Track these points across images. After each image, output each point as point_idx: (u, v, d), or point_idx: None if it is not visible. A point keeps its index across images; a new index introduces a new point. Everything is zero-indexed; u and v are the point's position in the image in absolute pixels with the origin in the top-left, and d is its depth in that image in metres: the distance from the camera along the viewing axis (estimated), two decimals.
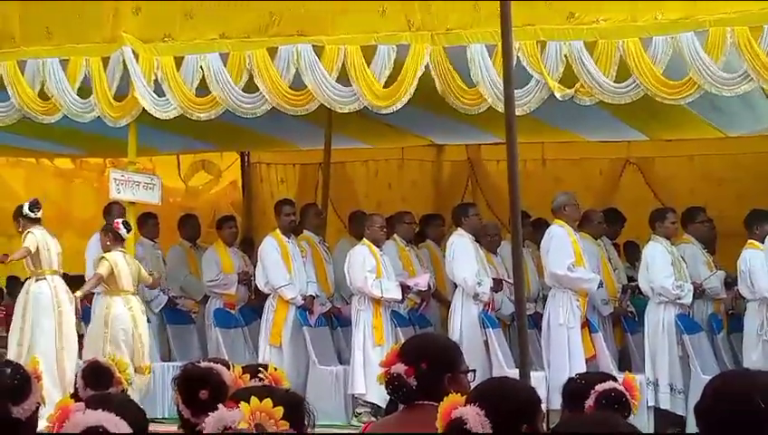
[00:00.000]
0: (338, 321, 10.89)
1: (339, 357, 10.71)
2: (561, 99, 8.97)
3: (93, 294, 10.37)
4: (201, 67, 9.78)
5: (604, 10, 8.94)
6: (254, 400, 2.75)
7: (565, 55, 8.92)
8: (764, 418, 2.77)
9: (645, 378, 9.57)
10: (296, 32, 9.64)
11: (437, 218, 12.00)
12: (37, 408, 3.30)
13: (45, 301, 9.91)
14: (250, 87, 9.79)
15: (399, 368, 3.95)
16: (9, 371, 3.24)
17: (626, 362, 10.30)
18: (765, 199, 10.48)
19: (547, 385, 9.27)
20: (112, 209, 10.85)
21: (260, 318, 10.69)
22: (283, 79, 9.58)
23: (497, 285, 10.10)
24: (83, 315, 10.45)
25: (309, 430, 3.07)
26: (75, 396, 4.38)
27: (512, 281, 10.30)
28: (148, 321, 10.40)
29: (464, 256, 10.09)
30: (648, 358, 9.66)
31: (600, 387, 4.49)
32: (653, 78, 8.67)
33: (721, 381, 3.02)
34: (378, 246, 10.27)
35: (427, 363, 3.92)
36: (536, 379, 9.32)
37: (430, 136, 13.64)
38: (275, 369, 4.30)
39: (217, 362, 3.84)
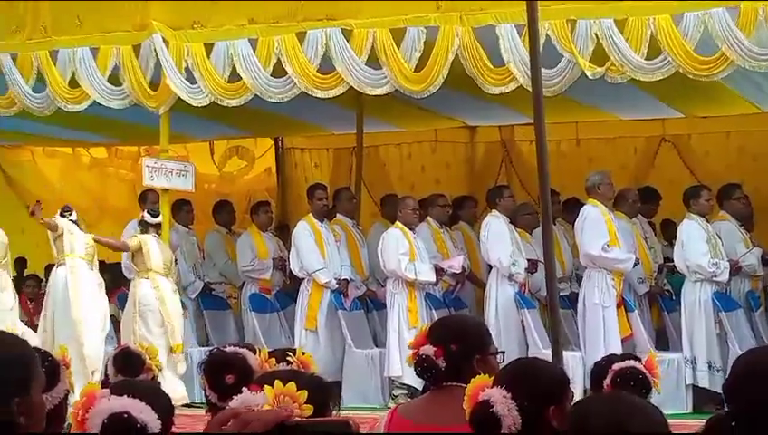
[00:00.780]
0: (373, 304, 10.91)
1: (374, 340, 10.74)
2: (591, 77, 8.90)
3: (131, 281, 10.47)
4: (231, 53, 9.79)
5: None
6: (278, 383, 2.74)
7: (595, 33, 8.84)
8: None
9: (683, 356, 9.52)
10: (325, 16, 9.63)
11: (470, 200, 11.97)
12: (66, 395, 3.31)
13: (63, 286, 9.99)
14: (278, 72, 9.80)
15: (428, 350, 3.94)
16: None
17: (663, 340, 10.25)
18: None
19: (584, 365, 9.24)
20: (147, 197, 10.91)
21: (295, 303, 10.72)
22: (311, 63, 9.58)
23: (533, 266, 10.06)
24: (120, 302, 10.53)
25: (335, 414, 3.07)
26: (106, 382, 4.42)
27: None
28: (184, 307, 10.46)
29: (498, 238, 10.06)
30: (686, 336, 9.60)
31: (616, 366, 4.48)
32: (684, 54, 8.58)
33: (751, 357, 2.96)
34: (411, 229, 10.26)
35: (456, 345, 3.91)
36: (573, 358, 9.33)
37: (463, 118, 13.59)
38: (303, 353, 4.31)
39: (243, 347, 3.85)
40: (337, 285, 10.50)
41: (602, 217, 9.73)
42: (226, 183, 14.96)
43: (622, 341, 9.51)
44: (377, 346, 10.55)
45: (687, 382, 9.47)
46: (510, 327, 9.89)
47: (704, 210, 9.93)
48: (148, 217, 10.01)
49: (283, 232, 12.40)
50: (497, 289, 9.99)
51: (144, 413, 3.01)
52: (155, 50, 10.01)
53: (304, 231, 10.61)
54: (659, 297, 10.43)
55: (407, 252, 9.99)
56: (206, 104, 10.08)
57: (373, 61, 9.49)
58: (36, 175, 14.55)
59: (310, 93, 9.70)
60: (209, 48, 9.91)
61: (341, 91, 9.66)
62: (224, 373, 3.89)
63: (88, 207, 12.97)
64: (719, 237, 9.83)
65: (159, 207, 10.38)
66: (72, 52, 10.27)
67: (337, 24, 9.55)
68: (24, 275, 13.58)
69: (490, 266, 10.35)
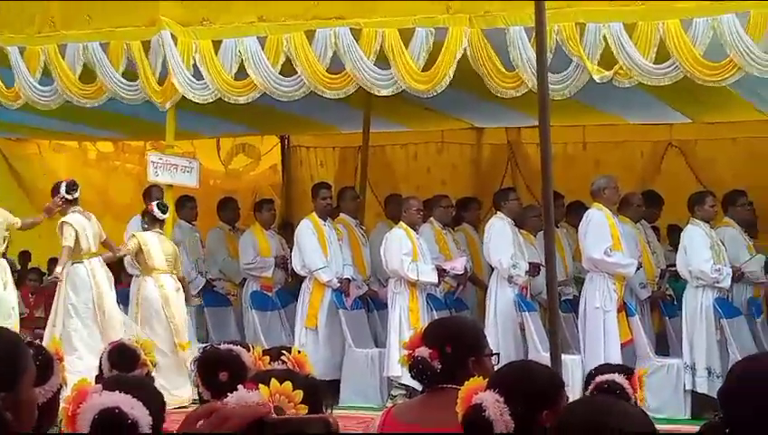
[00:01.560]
0: (374, 304, 10.91)
1: (375, 340, 10.74)
2: (599, 81, 8.88)
3: (132, 276, 10.47)
4: (239, 51, 9.79)
5: None
6: (274, 382, 2.74)
7: (604, 37, 8.82)
8: None
9: (682, 362, 9.50)
10: (334, 15, 9.62)
11: (474, 202, 11.97)
12: (58, 390, 3.31)
13: (80, 283, 9.98)
14: (287, 70, 9.80)
15: (423, 351, 3.93)
16: (31, 352, 3.26)
17: (664, 345, 10.24)
18: None
19: (583, 369, 9.22)
20: (152, 192, 10.92)
21: (296, 301, 10.72)
22: (320, 62, 9.58)
23: (534, 269, 10.05)
24: (121, 297, 10.54)
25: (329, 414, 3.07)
26: (100, 377, 4.41)
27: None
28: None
29: (500, 239, 10.06)
30: (686, 342, 9.57)
31: (598, 378, 4.47)
32: (693, 59, 8.56)
33: (748, 363, 2.95)
34: (414, 230, 10.25)
35: (451, 347, 3.90)
36: (573, 362, 9.32)
37: (470, 119, 13.59)
38: (299, 352, 4.30)
39: (237, 345, 3.84)
40: (338, 284, 10.50)
41: (606, 220, 9.71)
42: (232, 180, 14.99)
43: (622, 345, 9.51)
44: (377, 346, 10.55)
45: (687, 388, 9.45)
46: (509, 329, 9.88)
47: (708, 216, 9.92)
48: (157, 213, 10.01)
49: (287, 230, 12.41)
50: (497, 291, 9.99)
51: (135, 409, 3.02)
52: (163, 46, 10.02)
53: (307, 229, 10.61)
54: (661, 302, 10.41)
55: (409, 252, 9.98)
56: (211, 101, 10.07)
57: (381, 61, 9.49)
58: (42, 168, 14.58)
59: (319, 93, 9.69)
60: (217, 45, 9.91)
61: (351, 91, 9.67)
62: (217, 371, 3.88)
63: (93, 201, 12.98)
64: (723, 244, 9.81)
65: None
66: (82, 46, 10.28)
67: (346, 23, 9.54)
68: (28, 267, 13.61)
69: (492, 268, 10.34)
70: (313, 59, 9.61)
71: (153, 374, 4.66)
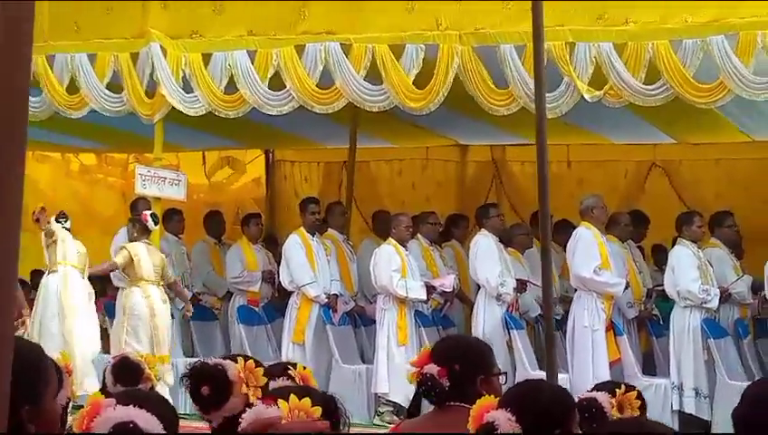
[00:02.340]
0: (361, 320, 10.89)
1: (361, 356, 10.71)
2: (589, 101, 8.92)
3: (119, 289, 10.42)
4: (229, 64, 9.77)
5: (634, 12, 8.88)
6: (293, 398, 2.73)
7: (594, 57, 8.86)
8: None
9: (670, 382, 9.52)
10: (324, 30, 9.62)
11: (463, 219, 11.99)
12: (67, 403, 3.28)
13: (51, 294, 9.95)
14: (276, 84, 9.78)
15: (432, 368, 3.93)
16: None
17: (650, 365, 10.25)
18: None
19: (570, 388, 9.21)
20: (138, 205, 10.87)
21: (283, 316, 10.69)
22: (310, 77, 9.57)
23: (521, 285, 10.06)
24: (107, 310, 10.47)
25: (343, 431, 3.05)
26: (104, 391, 4.38)
27: (537, 283, 10.31)
28: (172, 316, 10.41)
29: (487, 257, 10.06)
30: (674, 362, 9.59)
31: (581, 395, 4.49)
32: (683, 80, 8.61)
33: (759, 387, 2.99)
34: (403, 246, 10.25)
35: (460, 365, 3.90)
36: (561, 381, 9.28)
37: (455, 136, 13.61)
38: (304, 368, 4.28)
39: (229, 358, 3.77)
40: (326, 300, 10.47)
41: (595, 239, 9.74)
42: (215, 193, 14.94)
43: (610, 364, 9.52)
44: (363, 362, 10.52)
45: (674, 408, 9.46)
46: (498, 347, 9.82)
47: (696, 236, 9.95)
48: (150, 223, 9.97)
49: (272, 244, 12.37)
50: (485, 308, 9.98)
51: (149, 423, 2.99)
52: (152, 58, 9.98)
53: (295, 244, 10.59)
54: (648, 322, 10.44)
55: (399, 269, 9.97)
56: (201, 114, 10.05)
57: (371, 76, 9.48)
58: (25, 180, 14.45)
59: (308, 108, 9.68)
60: (207, 58, 9.89)
61: (340, 106, 9.66)
62: (200, 385, 3.86)
63: (76, 213, 12.87)
64: (710, 264, 9.85)
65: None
66: (69, 57, 10.23)
67: (336, 38, 9.54)
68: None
69: (479, 285, 10.34)
70: (303, 74, 9.60)
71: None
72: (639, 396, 4.55)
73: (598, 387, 4.66)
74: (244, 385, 3.76)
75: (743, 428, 2.97)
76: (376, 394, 9.98)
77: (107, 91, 10.25)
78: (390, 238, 10.28)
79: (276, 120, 10.40)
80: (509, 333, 9.84)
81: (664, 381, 9.63)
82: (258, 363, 3.92)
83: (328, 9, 9.63)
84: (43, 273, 12.99)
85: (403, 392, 9.81)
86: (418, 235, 10.91)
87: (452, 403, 3.91)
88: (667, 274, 9.87)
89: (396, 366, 9.76)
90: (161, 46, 9.95)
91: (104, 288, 11.49)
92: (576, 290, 9.84)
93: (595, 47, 8.87)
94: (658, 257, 11.75)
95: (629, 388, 4.64)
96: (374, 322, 10.37)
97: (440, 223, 11.39)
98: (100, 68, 10.16)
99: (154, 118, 10.20)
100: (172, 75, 9.92)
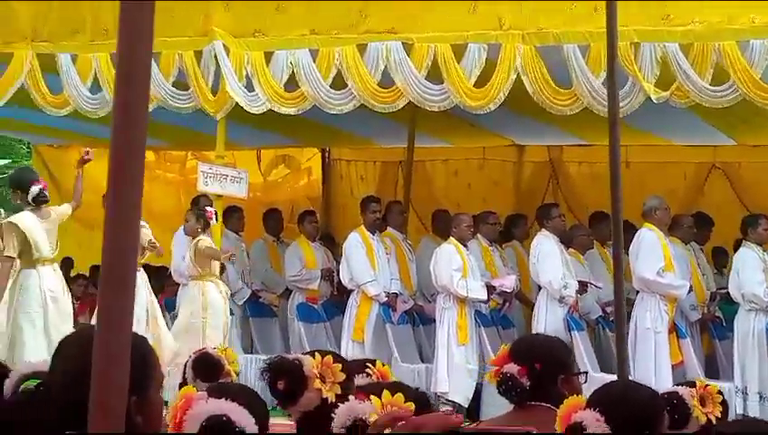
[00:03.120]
0: (420, 319, 10.88)
1: (420, 355, 10.71)
2: (656, 101, 8.84)
3: (179, 285, 10.48)
4: (291, 63, 9.80)
5: (700, 12, 8.80)
6: (386, 394, 2.74)
7: (660, 57, 8.79)
8: None
9: (734, 385, 9.43)
10: (386, 29, 9.62)
11: (523, 218, 11.95)
12: None
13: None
14: (337, 83, 9.80)
15: (512, 368, 3.93)
16: None
17: (713, 368, 10.16)
18: None
19: None
20: (200, 202, 10.92)
21: (342, 314, 10.72)
22: (371, 76, 9.57)
23: (583, 287, 10.01)
24: (167, 306, 10.52)
25: None
26: (183, 385, 4.40)
27: (599, 285, 10.26)
28: (232, 313, 10.47)
29: (549, 258, 10.02)
30: (738, 365, 9.51)
31: (662, 391, 4.47)
32: (751, 82, 8.51)
33: None
34: (464, 246, 10.24)
35: (540, 364, 3.90)
36: None
37: (512, 136, 13.57)
38: (383, 364, 4.29)
39: (308, 354, 3.78)
40: (386, 298, 10.49)
41: (658, 241, 9.67)
42: (271, 191, 14.99)
43: (673, 367, 9.45)
44: (422, 361, 10.52)
45: (737, 412, 9.36)
46: None
47: (761, 239, 9.85)
48: (213, 222, 10.02)
49: (328, 242, 12.42)
50: (547, 310, 9.94)
51: (242, 417, 3.02)
52: (215, 56, 10.03)
53: (356, 243, 10.62)
54: (711, 325, 10.35)
55: (459, 268, 9.96)
56: (263, 111, 10.09)
57: (432, 76, 9.47)
58: (84, 176, 14.56)
59: (369, 107, 9.69)
60: (269, 56, 9.93)
61: (401, 106, 9.65)
62: (277, 379, 3.88)
63: None
64: None
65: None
66: None
67: (398, 37, 9.54)
68: (70, 274, 13.62)
69: (539, 286, 10.30)
70: (365, 72, 9.59)
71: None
72: (720, 392, 4.52)
73: (677, 384, 4.64)
74: (318, 380, 3.77)
75: None
76: (435, 393, 9.97)
77: (173, 89, 10.31)
78: (451, 238, 10.27)
79: (333, 118, 10.41)
80: (570, 335, 9.78)
81: (727, 384, 9.50)
82: (337, 359, 3.93)
83: (390, 9, 9.62)
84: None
85: (462, 392, 9.83)
86: (478, 235, 10.89)
87: (532, 403, 3.90)
88: (732, 276, 9.77)
89: (456, 365, 9.76)
90: (224, 44, 10.00)
91: (162, 284, 11.58)
92: (638, 292, 9.77)
93: (661, 47, 8.80)
94: (718, 260, 11.66)
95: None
96: (433, 321, 10.37)
97: (499, 223, 11.36)
98: (164, 66, 10.21)
99: (219, 115, 10.25)
100: (235, 73, 9.97)
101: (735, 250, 10.40)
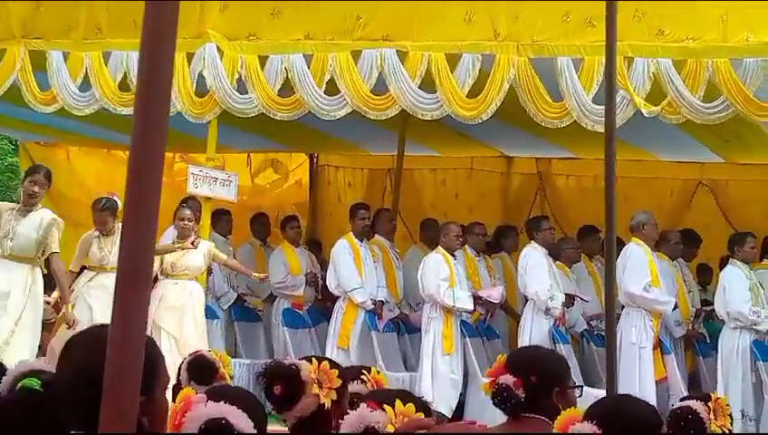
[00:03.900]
0: (405, 327, 10.88)
1: (404, 363, 10.70)
2: (647, 116, 8.87)
3: None
4: (285, 67, 9.79)
5: (694, 29, 8.83)
6: (398, 403, 2.74)
7: (653, 73, 8.82)
8: None
9: None
10: (381, 36, 9.61)
11: (513, 230, 11.98)
12: None
13: None
14: (330, 89, 9.79)
15: (508, 379, 3.92)
16: None
17: (696, 385, 10.19)
18: None
19: None
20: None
21: (327, 320, 10.71)
22: (365, 83, 9.57)
23: (569, 300, 10.03)
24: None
25: None
26: (178, 388, 4.39)
27: (585, 298, 10.28)
28: (217, 317, 10.44)
29: (537, 270, 10.03)
30: (721, 383, 9.52)
31: (675, 405, 4.48)
32: (744, 99, 8.54)
33: None
34: (452, 255, 10.24)
35: (536, 376, 3.90)
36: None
37: (501, 147, 13.59)
38: (378, 372, 4.29)
39: (305, 359, 3.77)
40: (372, 306, 10.48)
41: (645, 256, 9.70)
42: (257, 195, 14.96)
43: (656, 383, 9.46)
44: (406, 370, 10.51)
45: None
46: None
47: (748, 257, 9.90)
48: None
49: (314, 248, 12.41)
50: (533, 322, 9.95)
51: (241, 420, 3.01)
52: (205, 58, 10.01)
53: (344, 249, 10.62)
54: (695, 341, 10.38)
55: (447, 278, 9.97)
56: (253, 115, 10.07)
57: (426, 85, 9.48)
58: (70, 174, 14.53)
59: (362, 113, 9.68)
60: (263, 60, 9.91)
61: (394, 113, 9.64)
62: (273, 384, 3.87)
63: (121, 210, 12.95)
64: (761, 286, 9.79)
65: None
66: (125, 54, 10.28)
67: (392, 44, 9.54)
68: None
69: (525, 297, 10.31)
70: (358, 79, 9.59)
71: None
72: (728, 404, 4.54)
73: (684, 398, 4.64)
74: (315, 386, 3.77)
75: None
76: None
77: None
78: (439, 247, 10.28)
79: (323, 123, 10.40)
80: (555, 347, 9.79)
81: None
82: (333, 365, 3.93)
83: (385, 16, 9.62)
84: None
85: (447, 402, 9.83)
86: (465, 245, 10.90)
87: (526, 414, 3.90)
88: (718, 294, 9.81)
89: (440, 375, 9.76)
90: (218, 47, 9.98)
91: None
92: (624, 307, 9.79)
93: (654, 63, 8.83)
94: (702, 277, 11.71)
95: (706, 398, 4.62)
96: (418, 330, 10.37)
97: (485, 234, 11.37)
98: None
99: (204, 118, 10.21)
100: (227, 76, 9.94)
101: (721, 268, 10.44)
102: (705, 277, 11.57)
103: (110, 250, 9.64)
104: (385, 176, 14.20)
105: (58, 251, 9.54)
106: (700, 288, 11.38)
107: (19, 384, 3.21)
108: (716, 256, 11.55)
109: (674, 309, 9.85)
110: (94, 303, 9.45)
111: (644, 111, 8.85)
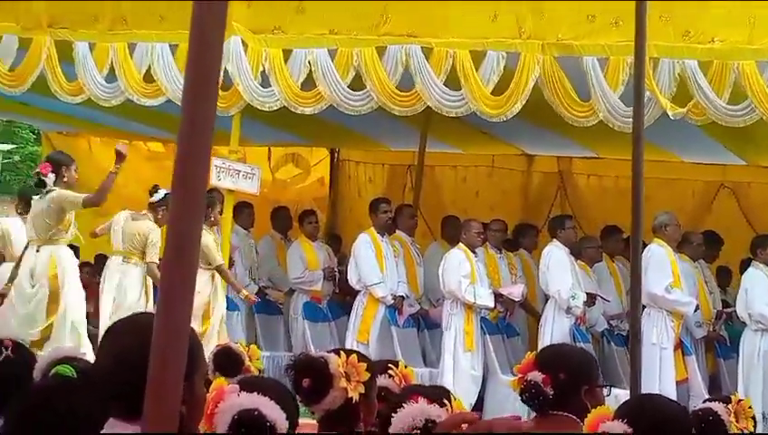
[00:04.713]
0: (425, 323, 10.89)
1: (423, 359, 10.71)
2: (672, 118, 8.84)
3: None
4: (309, 61, 9.79)
5: (721, 30, 8.79)
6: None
7: (678, 74, 8.78)
8: None
9: None
10: (406, 32, 9.60)
11: (531, 228, 11.98)
12: None
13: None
14: (355, 84, 9.79)
15: (536, 376, 3.92)
16: None
17: (716, 387, 10.18)
18: None
19: None
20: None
21: (346, 314, 10.74)
22: (390, 79, 9.56)
23: (591, 299, 10.02)
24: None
25: None
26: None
27: (607, 298, 10.27)
28: (237, 308, 10.46)
29: (559, 269, 10.03)
30: (742, 384, 9.52)
31: (696, 407, 4.48)
32: None
33: None
34: (473, 252, 10.25)
35: (565, 374, 3.90)
36: (626, 397, 9.22)
37: (522, 145, 13.57)
38: (405, 366, 4.30)
39: (333, 351, 3.77)
40: (393, 301, 10.49)
41: (667, 257, 9.69)
42: (278, 190, 14.97)
43: (677, 384, 9.45)
44: (425, 365, 10.52)
45: None
46: None
47: None
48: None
49: (334, 243, 12.42)
50: (554, 320, 9.94)
51: (273, 412, 3.02)
52: (230, 51, 10.02)
53: (365, 244, 10.63)
54: (716, 343, 10.36)
55: (468, 274, 9.98)
56: (276, 109, 10.08)
57: (450, 82, 9.47)
58: (91, 165, 14.54)
59: (387, 109, 9.68)
60: (287, 54, 9.92)
61: (419, 110, 9.64)
62: (301, 377, 3.87)
63: (142, 198, 12.98)
64: None
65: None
66: (150, 46, 10.30)
67: (417, 41, 9.53)
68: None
69: (546, 296, 10.31)
70: (383, 75, 9.57)
71: None
72: (750, 406, 4.54)
73: (706, 400, 4.65)
74: (344, 379, 3.77)
75: None
76: None
77: (183, 82, 10.25)
78: (460, 243, 10.28)
79: (345, 118, 10.40)
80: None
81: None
82: (362, 358, 3.93)
83: (410, 12, 9.60)
84: (106, 257, 13.19)
85: (466, 398, 9.82)
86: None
87: (554, 412, 3.91)
88: (740, 296, 9.79)
89: (461, 371, 9.78)
90: (242, 40, 9.99)
91: None
92: (645, 307, 9.76)
93: (679, 64, 8.80)
94: (722, 279, 11.67)
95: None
96: (437, 326, 10.38)
97: (506, 231, 11.36)
98: (180, 59, 10.20)
99: (229, 111, 10.23)
100: (251, 70, 9.96)
101: (742, 270, 10.43)
102: (725, 279, 11.54)
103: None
104: (405, 172, 14.19)
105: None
106: (720, 290, 11.35)
107: (53, 371, 3.24)
108: (737, 259, 11.52)
109: (695, 310, 9.83)
110: None
111: (670, 113, 8.81)
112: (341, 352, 3.89)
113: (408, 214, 11.46)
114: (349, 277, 10.73)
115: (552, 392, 3.89)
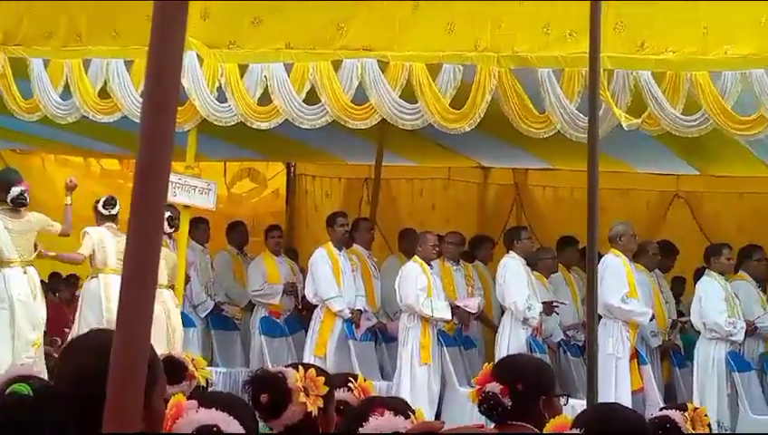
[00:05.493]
0: (382, 336, 10.89)
1: (381, 372, 10.71)
2: (627, 129, 8.91)
3: None
4: (265, 76, 9.78)
5: (674, 41, 8.87)
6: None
7: (633, 85, 8.86)
8: None
9: None
10: (361, 46, 9.62)
11: (487, 240, 12.02)
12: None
13: (91, 297, 9.96)
14: (310, 99, 9.79)
15: (494, 387, 3.93)
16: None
17: (672, 396, 10.25)
18: None
19: None
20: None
21: (304, 328, 10.71)
22: (345, 92, 9.57)
23: (548, 308, 10.06)
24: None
25: None
26: None
27: (563, 301, 10.31)
28: (194, 325, 10.41)
29: (515, 280, 10.07)
30: (696, 393, 9.60)
31: (653, 414, 4.53)
32: (722, 112, 8.58)
33: None
34: (429, 265, 10.27)
35: (522, 384, 3.91)
36: (582, 407, 9.26)
37: (478, 158, 13.62)
38: (365, 380, 4.30)
39: (291, 366, 3.76)
40: (350, 315, 10.49)
41: (623, 267, 9.76)
42: (234, 205, 14.95)
43: (633, 393, 9.51)
44: (383, 379, 10.52)
45: None
46: None
47: (724, 269, 9.98)
48: (102, 211, 10.17)
49: (291, 257, 12.40)
50: (510, 331, 9.98)
51: (232, 427, 3.01)
52: (185, 66, 9.98)
53: (322, 258, 10.62)
54: (671, 352, 10.44)
55: (424, 288, 9.99)
56: (232, 124, 10.06)
57: (406, 95, 9.49)
58: (45, 182, 14.46)
59: (342, 123, 9.68)
60: (243, 69, 9.90)
61: (374, 123, 9.65)
62: (260, 392, 3.86)
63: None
64: (737, 297, 9.86)
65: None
66: (105, 62, 10.25)
67: (373, 54, 9.54)
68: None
69: (502, 308, 10.34)
70: (338, 89, 9.58)
71: None
72: (707, 414, 4.58)
73: (662, 408, 4.68)
74: (302, 394, 3.76)
75: None
76: None
77: (138, 98, 10.23)
78: (416, 256, 10.30)
79: (301, 133, 10.39)
80: None
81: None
82: (320, 372, 3.92)
83: (366, 26, 9.62)
84: (60, 275, 13.07)
85: (424, 411, 9.83)
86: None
87: (513, 422, 3.92)
88: (694, 305, 9.88)
89: (418, 385, 9.77)
90: (198, 55, 9.96)
91: None
92: (601, 317, 9.82)
93: (634, 75, 8.87)
94: (676, 289, 11.77)
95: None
96: (395, 339, 10.38)
97: (459, 243, 11.38)
98: (136, 74, 10.15)
99: (184, 127, 10.19)
100: (207, 85, 9.93)
101: (696, 279, 10.52)
102: (679, 289, 11.65)
103: None
104: (362, 185, 14.22)
105: None
106: (675, 299, 11.44)
107: (8, 390, 3.20)
108: (691, 268, 11.64)
109: (651, 320, 9.90)
110: None
111: (624, 125, 8.87)
112: (300, 367, 3.87)
113: (365, 227, 11.47)
114: (306, 292, 10.72)
115: (510, 403, 3.89)
